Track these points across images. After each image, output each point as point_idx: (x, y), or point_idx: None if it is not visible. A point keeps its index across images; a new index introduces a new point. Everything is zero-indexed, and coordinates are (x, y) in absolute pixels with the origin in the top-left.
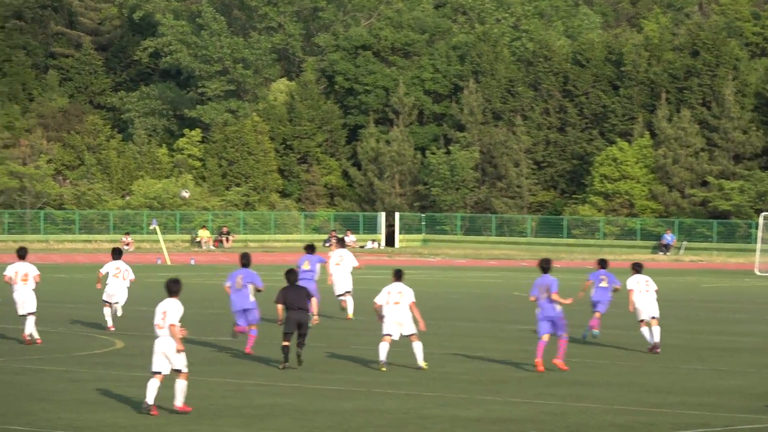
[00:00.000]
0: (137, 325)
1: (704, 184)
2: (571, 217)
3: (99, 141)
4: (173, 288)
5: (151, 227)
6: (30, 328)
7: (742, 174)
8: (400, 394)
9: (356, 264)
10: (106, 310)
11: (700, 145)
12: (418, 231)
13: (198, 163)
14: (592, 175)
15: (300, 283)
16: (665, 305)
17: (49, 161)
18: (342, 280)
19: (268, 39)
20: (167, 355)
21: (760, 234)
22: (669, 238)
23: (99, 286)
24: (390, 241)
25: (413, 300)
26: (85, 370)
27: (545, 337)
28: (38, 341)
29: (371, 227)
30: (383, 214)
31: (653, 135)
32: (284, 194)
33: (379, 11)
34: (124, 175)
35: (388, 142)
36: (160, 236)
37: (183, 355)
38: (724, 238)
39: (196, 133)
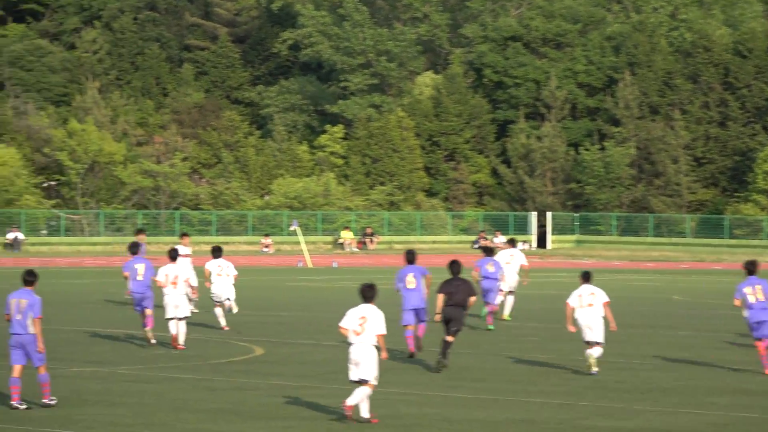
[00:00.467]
0: (277, 330)
1: None
2: (733, 217)
3: (236, 138)
4: (368, 294)
5: (292, 228)
6: (174, 329)
7: None
8: (554, 404)
9: (526, 264)
10: (218, 311)
11: None
12: (571, 231)
13: (340, 161)
14: (755, 172)
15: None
16: None
17: (185, 159)
18: (509, 279)
19: (413, 30)
20: (361, 362)
21: None
22: None
23: (208, 284)
24: (542, 242)
25: (607, 299)
26: (223, 378)
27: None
28: (180, 347)
29: (522, 228)
30: (534, 213)
31: None
32: (430, 193)
33: (530, 0)
34: (263, 174)
35: (539, 138)
36: (300, 238)
37: (376, 366)
38: None
39: (339, 130)
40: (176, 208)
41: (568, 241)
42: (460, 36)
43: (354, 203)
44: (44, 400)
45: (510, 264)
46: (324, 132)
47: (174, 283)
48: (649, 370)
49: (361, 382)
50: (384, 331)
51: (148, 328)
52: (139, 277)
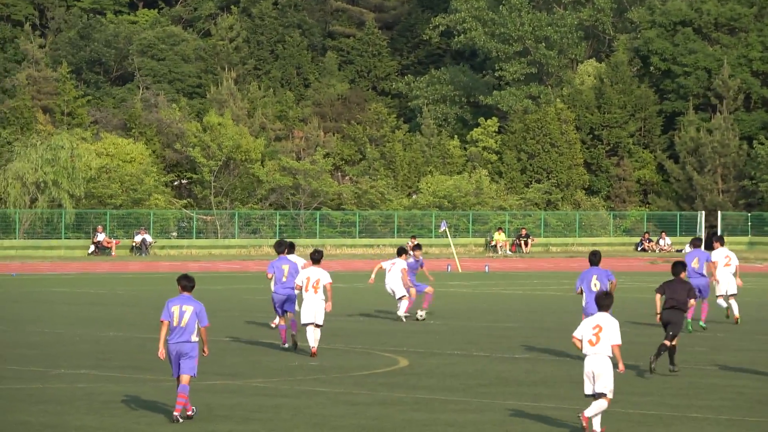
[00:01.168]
0: (424, 340)
1: None
2: None
3: (383, 132)
4: (605, 302)
5: (441, 230)
6: (312, 341)
7: None
8: (721, 420)
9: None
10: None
11: None
12: (744, 232)
13: (494, 157)
14: None
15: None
16: None
17: (327, 155)
18: (727, 281)
19: (574, 15)
20: (597, 375)
21: None
22: None
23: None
24: (709, 244)
25: None
26: (365, 391)
27: None
28: (313, 351)
29: (689, 228)
30: (703, 213)
31: None
32: (591, 191)
33: None
34: (411, 171)
35: (710, 131)
36: (450, 240)
37: (612, 378)
38: None
39: (493, 123)
40: (317, 208)
41: (740, 243)
42: (625, 21)
43: (508, 202)
44: (176, 413)
45: (729, 266)
46: (477, 125)
47: (315, 288)
48: None
49: (597, 396)
50: (619, 341)
51: (293, 332)
52: (284, 279)
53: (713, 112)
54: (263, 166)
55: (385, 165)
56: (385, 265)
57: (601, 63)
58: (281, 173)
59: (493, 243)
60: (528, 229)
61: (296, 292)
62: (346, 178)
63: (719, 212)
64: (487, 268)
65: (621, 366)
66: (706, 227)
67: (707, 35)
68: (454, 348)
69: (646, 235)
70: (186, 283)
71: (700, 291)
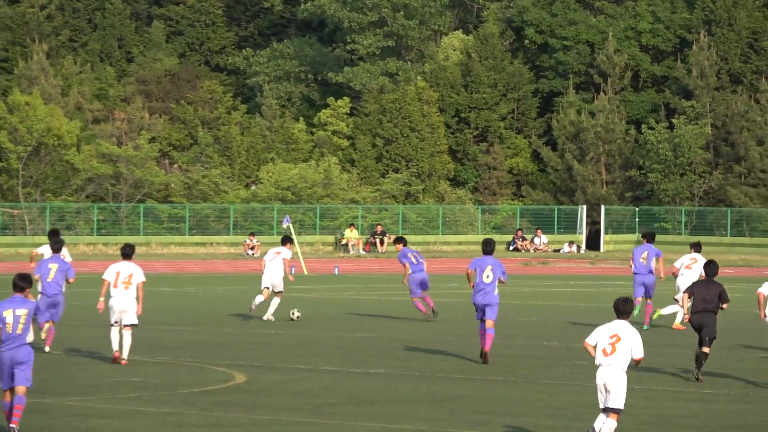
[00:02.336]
0: (263, 353)
1: None
2: None
3: (217, 113)
4: (624, 308)
5: (284, 226)
6: (117, 345)
7: None
8: None
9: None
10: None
11: None
12: (630, 229)
13: (345, 142)
14: None
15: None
16: None
17: (152, 140)
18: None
19: None
20: (609, 387)
21: None
22: None
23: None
24: (593, 242)
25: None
26: (196, 412)
27: None
28: (123, 362)
29: (569, 225)
30: (584, 207)
31: None
32: (456, 182)
33: None
34: (250, 158)
35: (592, 114)
36: (294, 238)
37: (623, 393)
38: None
39: (344, 104)
40: (141, 201)
41: (627, 242)
42: None
43: (361, 195)
44: (13, 425)
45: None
46: (326, 106)
47: (126, 284)
48: (731, 402)
49: (607, 411)
50: (642, 355)
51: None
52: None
53: (596, 93)
54: (79, 153)
55: (219, 151)
56: (267, 256)
57: (468, 35)
58: (100, 160)
59: (344, 241)
60: (384, 225)
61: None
62: (175, 166)
63: (603, 206)
64: (336, 270)
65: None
66: (587, 223)
67: (590, 4)
68: (298, 361)
69: (519, 233)
70: (22, 283)
71: (646, 289)
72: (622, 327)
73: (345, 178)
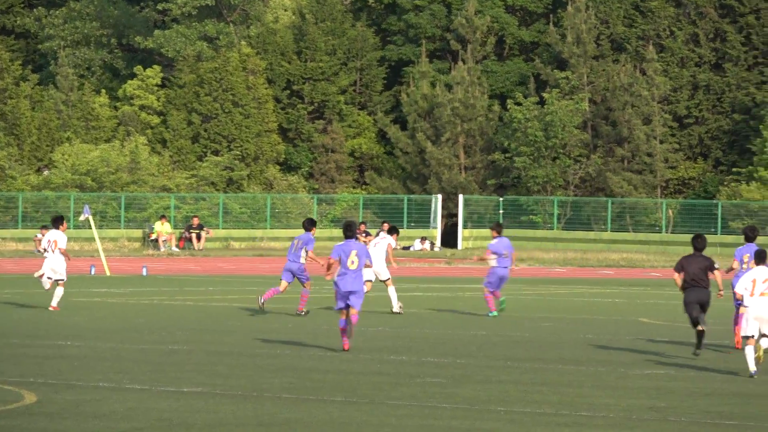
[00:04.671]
0: (58, 368)
1: None
2: (730, 203)
3: (3, 85)
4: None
5: (82, 218)
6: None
7: None
8: None
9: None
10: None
11: None
12: (493, 222)
13: (156, 119)
14: (763, 137)
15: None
16: None
17: None
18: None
19: None
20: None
21: None
22: None
23: None
24: (450, 238)
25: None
26: None
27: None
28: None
29: (421, 218)
30: (439, 197)
31: None
32: (288, 167)
33: None
34: (42, 138)
35: (449, 87)
36: (94, 232)
37: None
38: None
39: (154, 73)
40: None
41: (489, 238)
42: None
43: (174, 181)
44: None
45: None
46: (133, 76)
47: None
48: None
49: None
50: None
51: None
52: None
53: (454, 62)
54: None
55: (5, 130)
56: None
57: None
58: None
59: (154, 236)
60: (202, 217)
61: None
62: None
63: (461, 196)
64: (145, 270)
65: None
66: (443, 216)
67: None
68: (99, 378)
69: (363, 227)
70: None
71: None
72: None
73: (155, 162)
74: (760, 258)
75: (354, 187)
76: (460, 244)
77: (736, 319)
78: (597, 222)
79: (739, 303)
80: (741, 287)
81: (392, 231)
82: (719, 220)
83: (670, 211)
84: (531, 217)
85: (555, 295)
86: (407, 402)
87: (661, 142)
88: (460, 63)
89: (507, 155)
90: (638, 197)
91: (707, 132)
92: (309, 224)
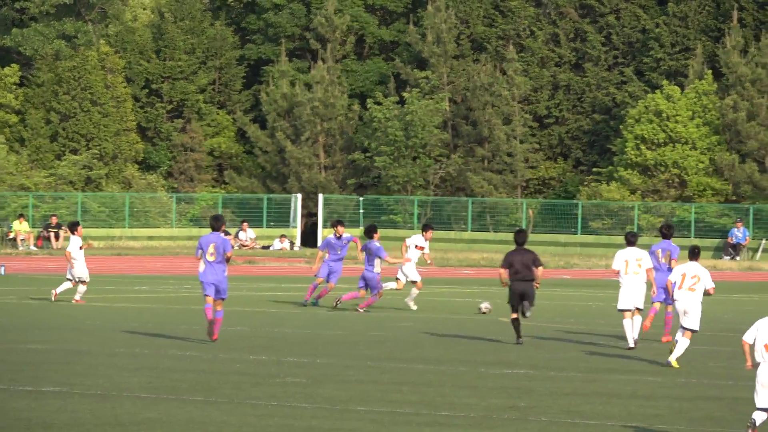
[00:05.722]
0: None
1: None
2: (590, 203)
3: None
4: None
5: None
6: None
7: None
8: None
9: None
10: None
11: None
12: (354, 222)
13: (14, 118)
14: (623, 138)
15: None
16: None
17: None
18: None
19: None
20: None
21: None
22: (740, 234)
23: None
24: (310, 238)
25: (712, 286)
26: None
27: (657, 305)
28: None
29: (281, 218)
30: (299, 196)
31: (718, 75)
32: (147, 166)
33: None
34: None
35: (308, 86)
36: None
37: None
38: None
39: (12, 72)
40: None
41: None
42: None
43: (33, 180)
44: None
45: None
46: None
47: None
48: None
49: None
50: None
51: None
52: None
53: (314, 61)
54: None
55: None
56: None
57: None
58: None
59: (12, 235)
60: (60, 216)
61: None
62: None
63: (320, 195)
64: (3, 269)
65: None
66: (303, 215)
67: None
68: None
69: (222, 227)
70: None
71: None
72: None
73: (13, 161)
74: (693, 254)
75: (213, 186)
76: (320, 243)
77: (666, 320)
78: (457, 222)
79: (660, 299)
80: (672, 279)
81: (370, 231)
82: (579, 220)
83: (530, 211)
84: (391, 216)
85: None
86: (267, 402)
87: (522, 142)
88: (320, 62)
89: (367, 155)
90: (498, 197)
91: (567, 132)
92: (372, 231)
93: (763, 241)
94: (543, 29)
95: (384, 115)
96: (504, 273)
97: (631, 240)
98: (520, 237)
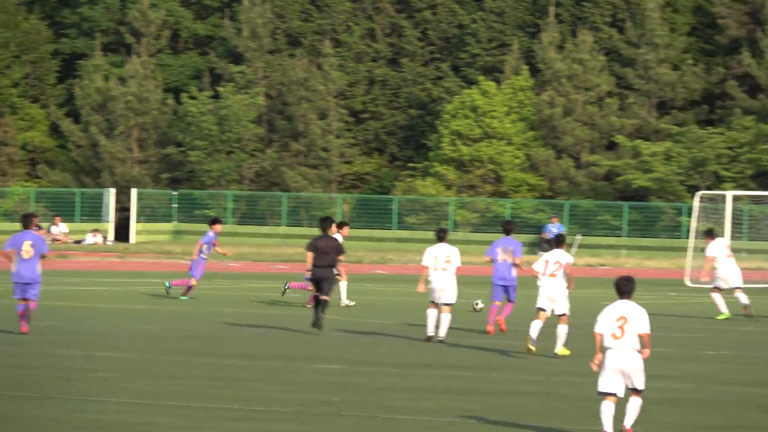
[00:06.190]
0: None
1: (611, 147)
2: (406, 198)
3: None
4: (626, 288)
5: None
6: None
7: (669, 132)
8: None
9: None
10: None
11: (606, 87)
12: (167, 217)
13: None
14: (439, 133)
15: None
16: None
17: None
18: None
19: None
20: (626, 372)
21: (694, 224)
22: (555, 229)
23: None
24: (123, 232)
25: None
26: None
27: (498, 303)
28: None
29: (93, 212)
30: (113, 190)
31: (535, 71)
32: None
33: None
34: None
35: (122, 80)
36: None
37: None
38: (641, 230)
39: None
40: None
41: (163, 233)
42: None
43: None
44: None
45: None
46: None
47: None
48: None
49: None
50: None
51: None
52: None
53: (128, 55)
54: None
55: None
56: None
57: None
58: None
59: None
60: None
61: None
62: None
63: (134, 189)
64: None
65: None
66: (116, 210)
67: None
68: None
69: (36, 221)
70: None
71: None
72: (629, 307)
73: None
74: (557, 242)
75: (26, 181)
76: (133, 238)
77: (490, 310)
78: (272, 216)
79: (500, 299)
80: (537, 266)
81: (341, 225)
82: (395, 215)
83: (346, 206)
84: (205, 211)
85: (229, 290)
86: (77, 396)
87: (337, 137)
88: (135, 56)
89: (181, 149)
90: (314, 192)
91: (383, 127)
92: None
93: (578, 237)
94: (359, 24)
95: (198, 110)
96: (309, 257)
97: (440, 236)
98: (325, 224)
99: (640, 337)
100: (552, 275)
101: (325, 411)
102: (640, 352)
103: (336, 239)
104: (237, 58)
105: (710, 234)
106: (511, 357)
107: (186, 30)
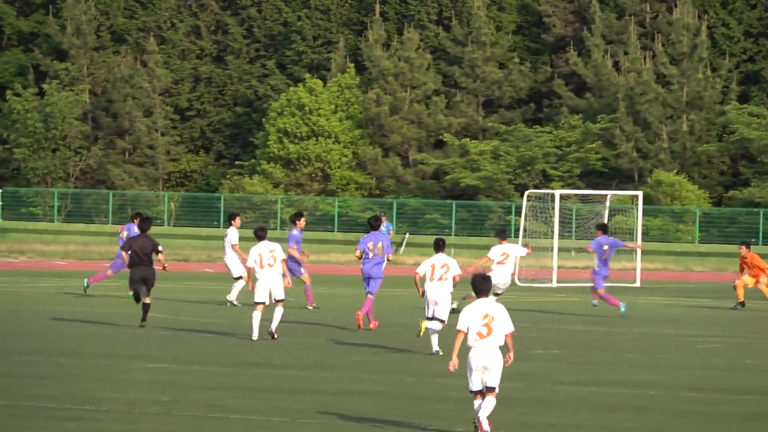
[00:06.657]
0: None
1: (439, 145)
2: (233, 196)
3: None
4: (483, 286)
5: None
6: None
7: (497, 130)
8: None
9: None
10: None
11: (433, 86)
12: None
13: None
14: (265, 131)
15: None
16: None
17: None
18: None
19: None
20: (488, 368)
21: (523, 223)
22: (384, 228)
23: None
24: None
25: (459, 273)
26: None
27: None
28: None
29: None
30: None
31: (361, 69)
32: None
33: None
34: None
35: None
36: None
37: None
38: (469, 229)
39: None
40: None
41: None
42: None
43: None
44: None
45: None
46: None
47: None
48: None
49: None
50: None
51: None
52: None
53: None
54: None
55: None
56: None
57: None
58: None
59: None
60: None
61: None
62: None
63: None
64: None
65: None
66: None
67: None
68: None
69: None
70: None
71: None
72: (490, 305)
73: None
74: (437, 246)
75: None
76: None
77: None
78: (98, 214)
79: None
80: (422, 270)
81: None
82: (222, 213)
83: (172, 204)
84: (31, 209)
85: (57, 288)
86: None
87: (163, 135)
88: None
89: (6, 146)
90: (140, 189)
91: (209, 125)
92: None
93: (407, 235)
94: (184, 21)
95: (23, 107)
96: (125, 255)
97: (260, 235)
98: (145, 225)
99: (505, 336)
100: (441, 279)
101: (155, 410)
102: (505, 353)
103: (154, 240)
104: (62, 55)
105: (502, 234)
106: (343, 356)
107: (9, 27)
